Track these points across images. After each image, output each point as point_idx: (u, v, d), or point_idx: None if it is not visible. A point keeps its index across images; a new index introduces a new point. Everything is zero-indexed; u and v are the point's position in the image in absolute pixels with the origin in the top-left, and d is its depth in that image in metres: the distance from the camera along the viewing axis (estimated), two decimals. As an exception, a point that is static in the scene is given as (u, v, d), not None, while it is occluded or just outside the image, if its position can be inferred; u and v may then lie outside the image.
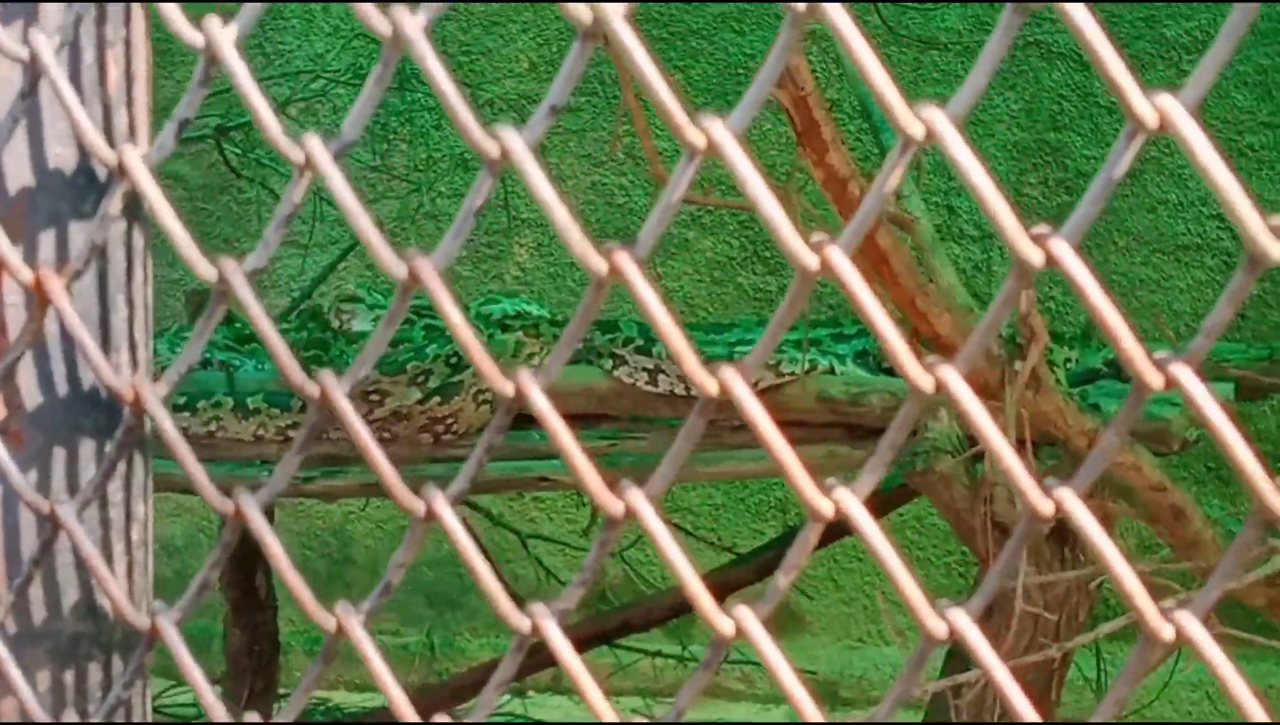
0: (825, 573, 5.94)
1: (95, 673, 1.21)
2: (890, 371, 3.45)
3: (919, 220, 2.57)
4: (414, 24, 1.03)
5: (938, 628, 0.92)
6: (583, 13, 0.97)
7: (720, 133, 0.95)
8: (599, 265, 0.99)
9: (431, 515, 1.05)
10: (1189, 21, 5.70)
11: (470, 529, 4.03)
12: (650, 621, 4.52)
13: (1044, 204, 5.82)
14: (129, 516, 1.22)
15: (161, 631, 1.14)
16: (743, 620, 1.00)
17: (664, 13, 5.77)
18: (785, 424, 3.36)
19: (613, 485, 1.03)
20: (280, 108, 5.09)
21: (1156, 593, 2.36)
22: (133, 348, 1.21)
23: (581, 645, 4.44)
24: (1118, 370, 3.43)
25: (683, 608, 4.35)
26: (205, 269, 1.10)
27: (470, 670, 5.12)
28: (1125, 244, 5.81)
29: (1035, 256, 0.89)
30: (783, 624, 5.94)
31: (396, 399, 3.54)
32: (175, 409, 3.54)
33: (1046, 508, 0.90)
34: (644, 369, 3.54)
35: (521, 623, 1.03)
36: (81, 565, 1.19)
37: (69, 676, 1.20)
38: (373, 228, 1.06)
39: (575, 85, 1.02)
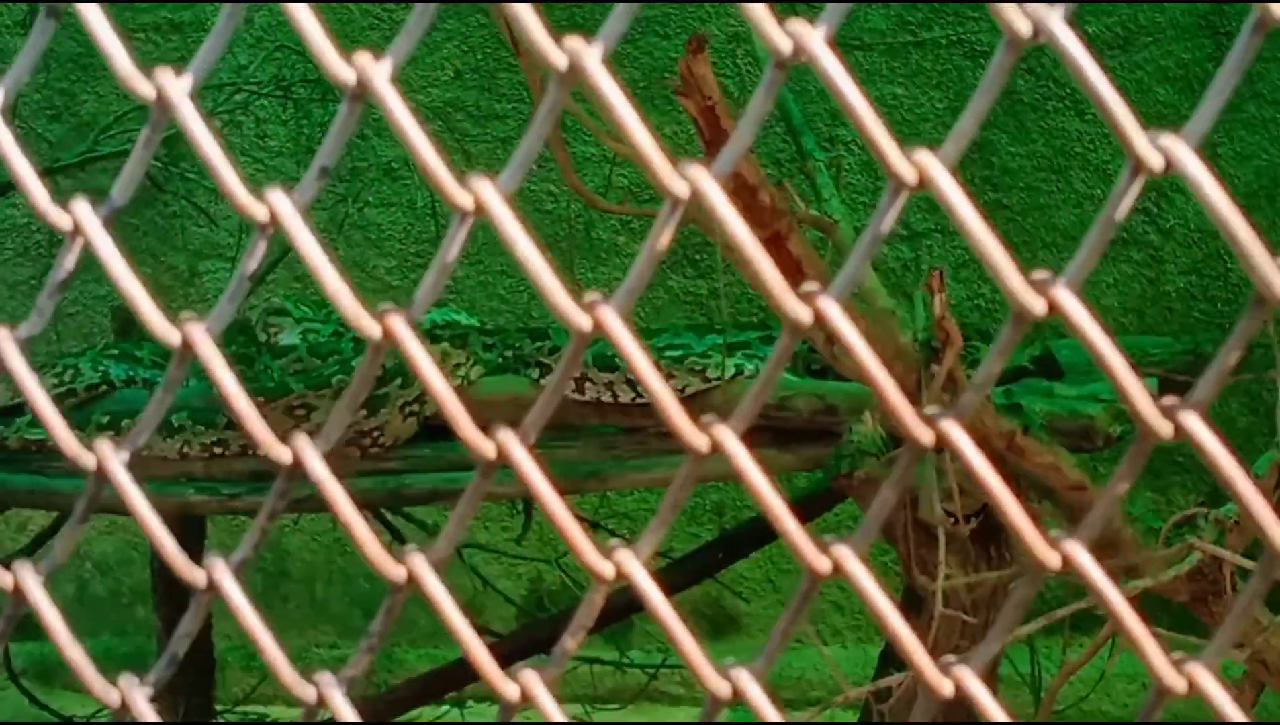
0: (762, 574, 5.95)
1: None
2: (819, 373, 3.45)
3: (839, 223, 2.57)
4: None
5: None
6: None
7: (490, 193, 0.95)
8: (371, 329, 0.98)
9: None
10: (1110, 18, 5.74)
11: (404, 540, 4.03)
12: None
13: (971, 201, 5.84)
14: None
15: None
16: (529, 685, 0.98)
17: (589, 17, 5.76)
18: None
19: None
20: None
21: (1077, 594, 2.39)
22: None
23: (517, 655, 4.42)
24: (1044, 368, 3.44)
25: (619, 613, 4.35)
26: None
27: (409, 681, 5.10)
28: (1052, 240, 5.84)
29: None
30: (719, 626, 5.95)
31: (322, 413, 3.53)
32: (99, 428, 3.52)
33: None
34: (570, 377, 3.53)
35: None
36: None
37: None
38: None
39: (344, 146, 1.01)
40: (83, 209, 1.03)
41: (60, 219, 1.01)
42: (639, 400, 3.49)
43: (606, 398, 3.51)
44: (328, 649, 6.01)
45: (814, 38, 0.92)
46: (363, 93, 0.95)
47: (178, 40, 5.85)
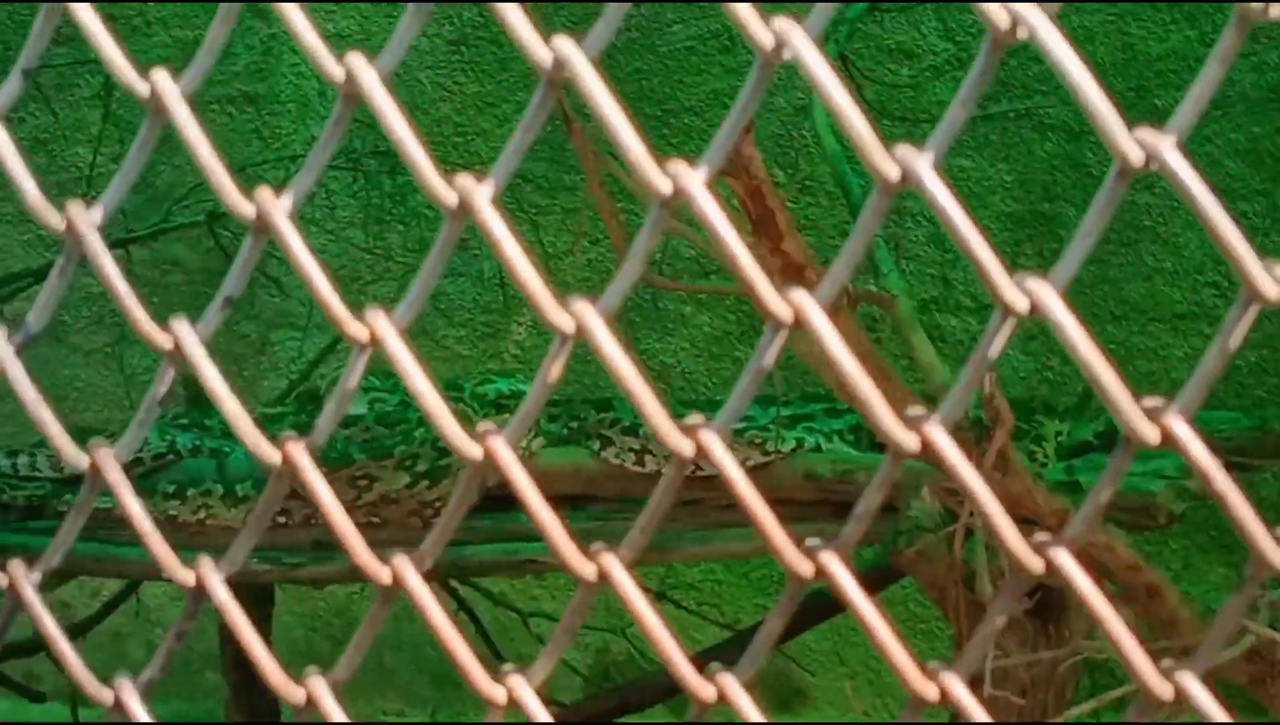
0: (830, 646, 5.92)
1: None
2: (880, 448, 3.45)
3: (897, 298, 2.57)
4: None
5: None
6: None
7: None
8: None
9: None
10: (1179, 91, 5.72)
11: (469, 609, 4.02)
12: (646, 701, 4.50)
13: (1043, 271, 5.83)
14: None
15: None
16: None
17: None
18: (772, 502, 3.34)
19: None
20: (214, 217, 5.11)
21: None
22: None
23: (579, 726, 4.42)
24: (1107, 443, 3.42)
25: (678, 686, 4.33)
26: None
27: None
28: (1122, 313, 5.81)
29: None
30: (785, 698, 5.92)
31: (385, 483, 3.55)
32: (165, 497, 3.55)
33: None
34: (630, 449, 3.54)
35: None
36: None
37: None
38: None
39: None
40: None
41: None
42: (698, 473, 3.49)
43: (666, 470, 3.52)
44: (395, 716, 6.03)
45: (797, 34, 0.94)
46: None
47: (252, 113, 5.93)
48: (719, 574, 6.00)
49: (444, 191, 0.97)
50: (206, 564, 1.04)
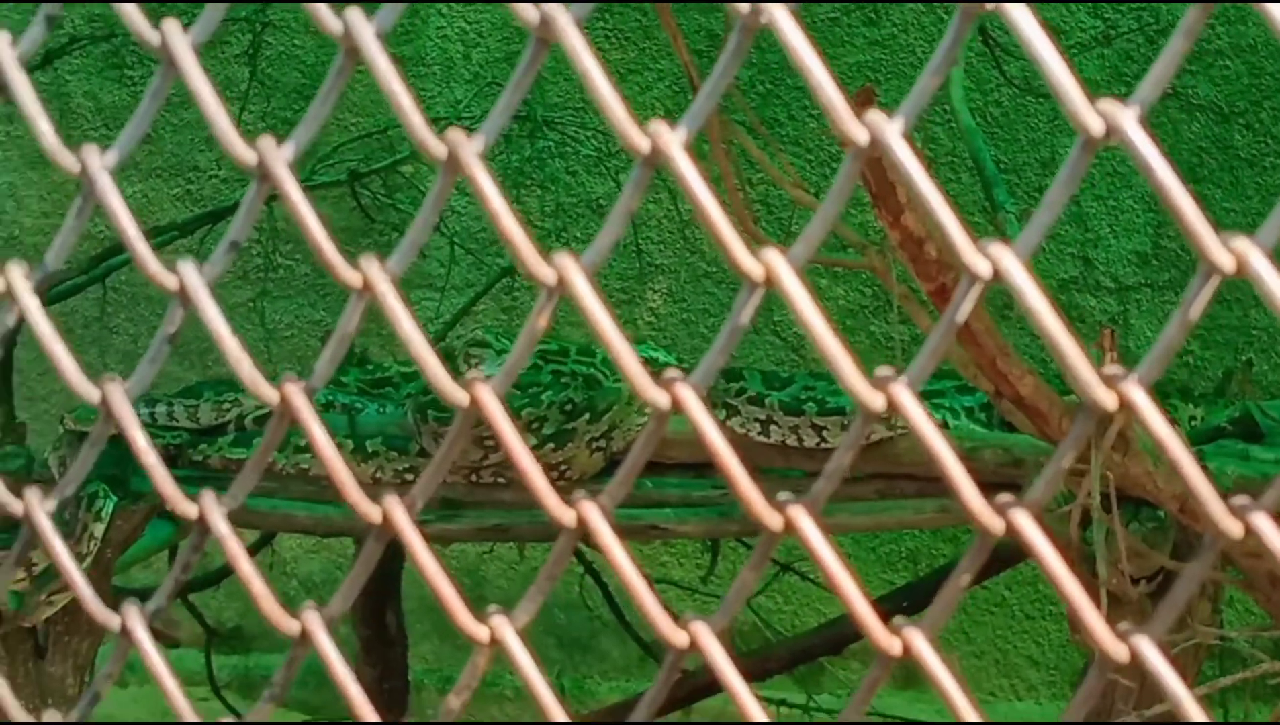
0: (956, 625, 5.90)
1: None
2: (1010, 427, 3.43)
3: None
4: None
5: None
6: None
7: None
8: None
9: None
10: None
11: (596, 574, 4.04)
12: (767, 670, 4.51)
13: (1183, 257, 5.76)
14: None
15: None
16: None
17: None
18: (896, 477, 3.33)
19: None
20: (356, 176, 5.15)
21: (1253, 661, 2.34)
22: None
23: (700, 693, 4.44)
24: (1241, 429, 3.39)
25: (802, 656, 4.35)
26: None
27: (597, 712, 5.14)
28: (1265, 298, 5.73)
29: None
30: (911, 676, 5.90)
31: (511, 445, 3.57)
32: (297, 451, 3.61)
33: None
34: (756, 419, 3.54)
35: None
36: None
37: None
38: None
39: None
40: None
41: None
42: (823, 445, 3.49)
43: (791, 441, 3.52)
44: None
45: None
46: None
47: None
48: (846, 547, 6.00)
49: (434, 144, 0.99)
50: (209, 498, 1.08)
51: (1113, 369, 0.86)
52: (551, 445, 3.59)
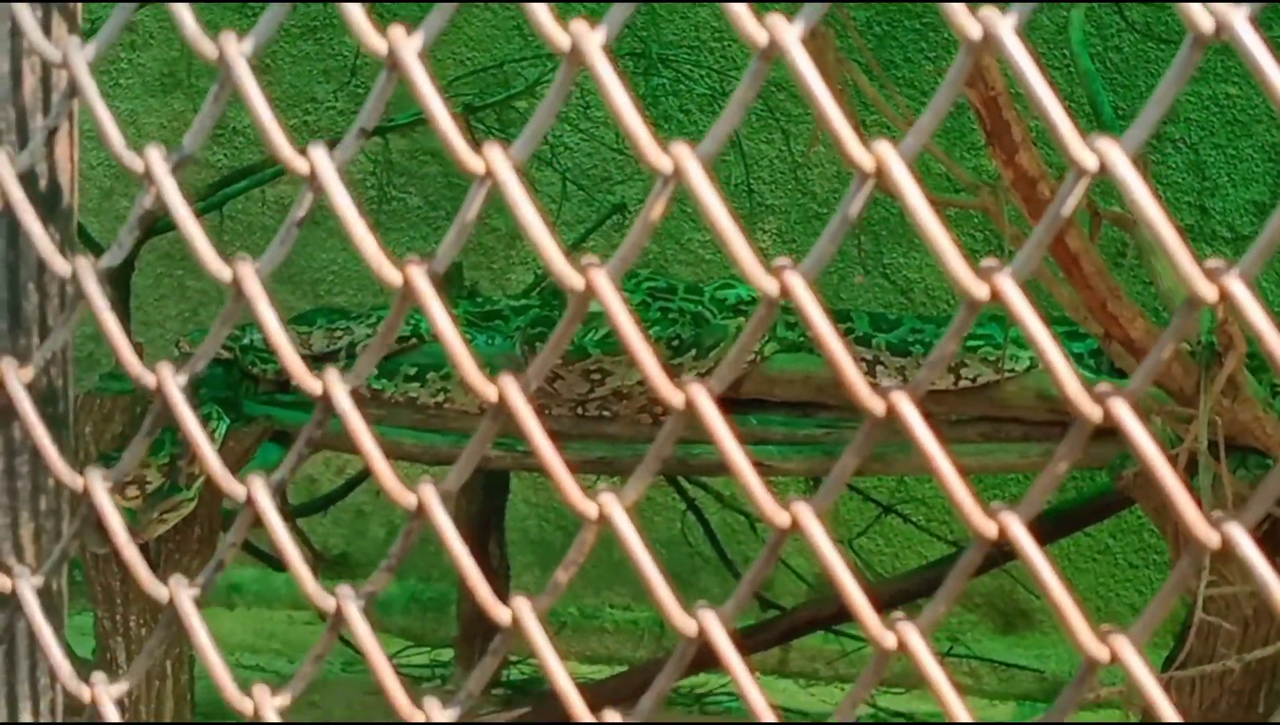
0: (1058, 573, 5.88)
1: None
2: (1120, 373, 3.41)
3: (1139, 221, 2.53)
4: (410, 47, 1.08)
5: (1210, 537, 0.89)
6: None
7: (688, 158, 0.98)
8: (575, 281, 1.02)
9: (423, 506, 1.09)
10: None
11: (698, 510, 4.07)
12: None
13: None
14: (36, 486, 1.32)
15: (19, 595, 1.22)
16: (905, 634, 1.02)
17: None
18: (1002, 421, 3.32)
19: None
20: (470, 110, 5.15)
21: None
22: (44, 333, 1.31)
23: (796, 632, 4.46)
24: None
25: (902, 596, 4.36)
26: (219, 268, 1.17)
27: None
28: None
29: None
30: (1011, 621, 5.90)
31: (617, 378, 3.60)
32: (406, 379, 3.64)
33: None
34: (863, 360, 3.54)
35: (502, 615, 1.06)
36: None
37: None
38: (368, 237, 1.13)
39: (381, 108, 1.06)
40: (495, 155, 1.09)
41: (474, 163, 1.08)
42: (933, 386, 3.49)
43: (898, 382, 3.53)
44: (620, 610, 6.13)
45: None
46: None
47: (514, 11, 6.00)
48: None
49: (559, 35, 1.01)
50: (332, 374, 1.11)
51: (1214, 262, 0.86)
52: (657, 380, 3.61)
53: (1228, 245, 5.81)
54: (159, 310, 6.07)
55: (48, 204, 1.30)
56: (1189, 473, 2.54)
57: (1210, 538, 0.86)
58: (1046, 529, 4.81)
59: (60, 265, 1.22)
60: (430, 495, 1.07)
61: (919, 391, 0.93)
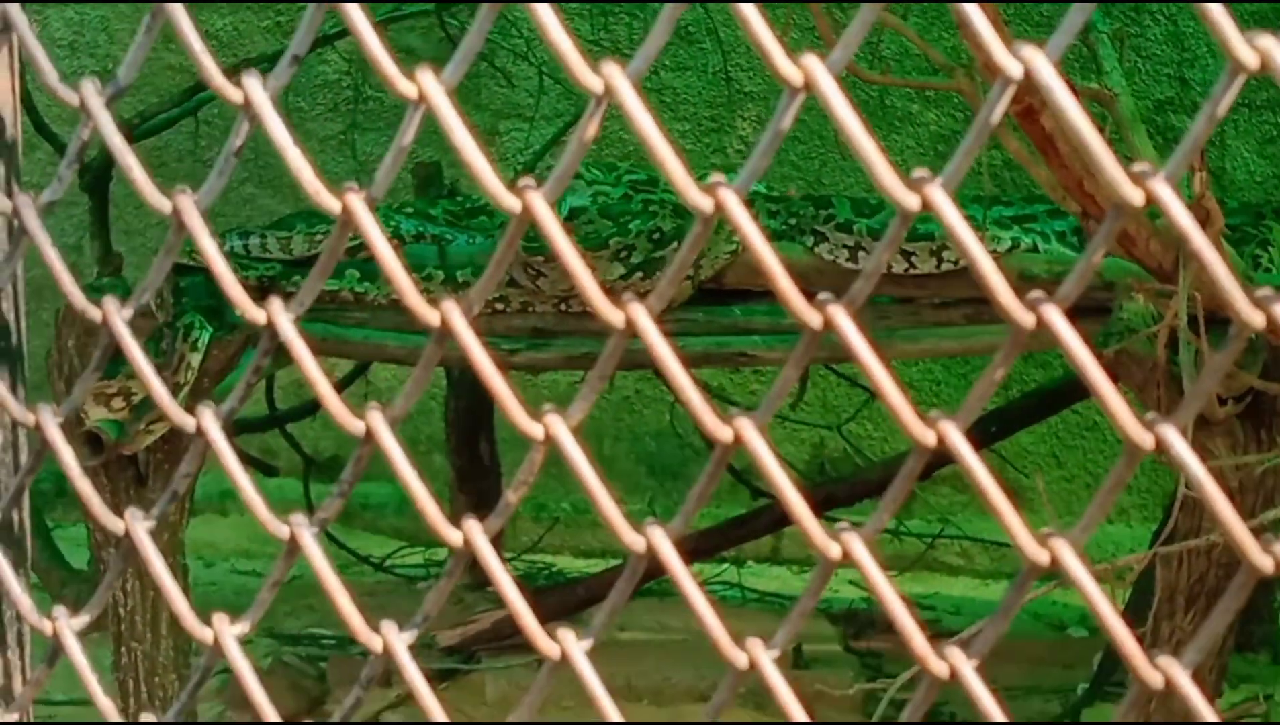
0: (1047, 449, 5.91)
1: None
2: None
3: (1118, 96, 2.53)
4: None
5: (1143, 439, 0.90)
6: None
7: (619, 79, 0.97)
8: (511, 204, 1.02)
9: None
10: None
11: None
12: (857, 495, 4.54)
13: (1281, 76, 5.67)
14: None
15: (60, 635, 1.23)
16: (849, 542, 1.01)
17: None
18: (986, 302, 3.33)
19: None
20: (444, 5, 5.09)
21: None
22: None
23: (788, 519, 4.48)
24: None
25: (888, 483, 4.37)
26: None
27: (687, 538, 5.20)
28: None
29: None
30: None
31: (600, 274, 3.59)
32: (388, 281, 3.63)
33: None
34: (844, 246, 3.54)
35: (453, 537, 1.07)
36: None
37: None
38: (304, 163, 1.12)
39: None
40: (426, 79, 1.09)
41: (405, 87, 1.07)
42: (912, 271, 3.49)
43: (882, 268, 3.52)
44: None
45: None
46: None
47: None
48: (936, 373, 6.00)
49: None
50: (275, 303, 1.11)
51: (1141, 165, 0.86)
52: (640, 273, 3.60)
53: (1208, 117, 5.79)
54: (139, 219, 6.04)
55: None
56: (1170, 349, 2.54)
57: (1144, 439, 0.86)
58: (1036, 406, 4.83)
59: (1, 202, 1.22)
60: (378, 421, 1.07)
61: (856, 304, 0.93)
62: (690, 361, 3.61)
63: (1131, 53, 5.41)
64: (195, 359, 3.48)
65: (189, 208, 1.13)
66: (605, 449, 6.20)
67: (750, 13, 0.94)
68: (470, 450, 5.48)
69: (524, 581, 5.52)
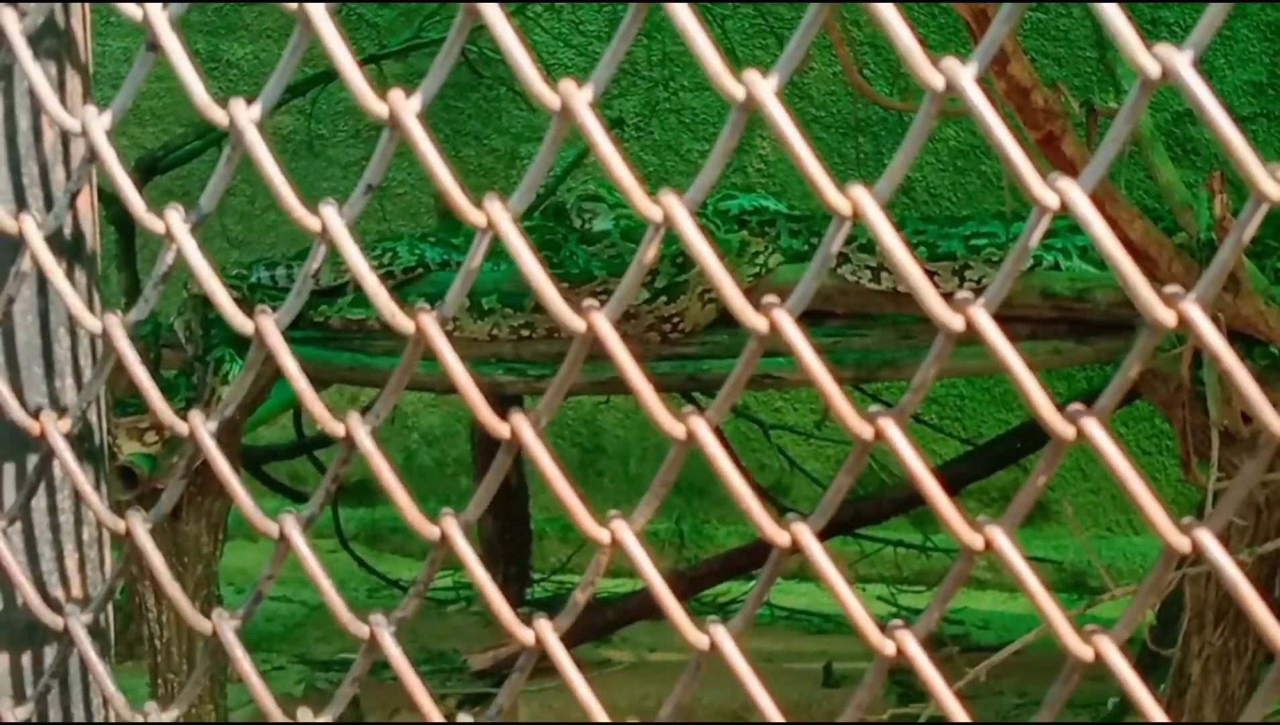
0: (1072, 462, 5.92)
1: (49, 657, 1.35)
2: (1122, 264, 3.41)
3: (1137, 116, 2.53)
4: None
5: (1180, 543, 0.93)
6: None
7: (761, 86, 1.00)
8: (651, 212, 1.04)
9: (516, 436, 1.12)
10: None
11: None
12: (881, 513, 4.56)
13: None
14: (78, 519, 1.36)
15: (72, 632, 1.26)
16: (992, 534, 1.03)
17: None
18: (1009, 320, 3.36)
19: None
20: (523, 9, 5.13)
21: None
22: (77, 374, 1.34)
23: (817, 537, 4.49)
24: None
25: (918, 499, 4.38)
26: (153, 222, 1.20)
27: (715, 557, 5.21)
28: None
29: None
30: (1029, 515, 5.93)
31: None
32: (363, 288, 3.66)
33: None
34: (867, 267, 3.55)
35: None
36: (34, 562, 1.33)
37: (25, 660, 1.34)
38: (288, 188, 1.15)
39: (388, 165, 1.09)
40: (397, 98, 1.12)
41: (378, 108, 1.11)
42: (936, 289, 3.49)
43: (903, 287, 3.53)
44: (640, 523, 6.17)
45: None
46: None
47: None
48: (961, 388, 6.01)
49: (734, 86, 1.01)
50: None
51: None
52: (664, 298, 3.61)
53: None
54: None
55: (73, 253, 1.35)
56: (1194, 367, 2.55)
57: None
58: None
59: (90, 322, 1.26)
60: (356, 424, 1.11)
61: (794, 312, 0.96)
62: (715, 384, 3.63)
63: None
64: (226, 392, 3.51)
65: (180, 227, 1.17)
66: (632, 468, 6.22)
67: (689, 19, 0.96)
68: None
69: (551, 603, 5.53)
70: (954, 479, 4.59)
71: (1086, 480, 5.94)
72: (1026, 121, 2.05)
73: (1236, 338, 2.42)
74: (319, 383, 3.86)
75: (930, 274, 3.45)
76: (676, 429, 1.04)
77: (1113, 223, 2.29)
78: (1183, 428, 2.58)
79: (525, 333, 3.64)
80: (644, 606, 4.64)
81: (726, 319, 3.59)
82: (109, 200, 5.02)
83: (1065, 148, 2.07)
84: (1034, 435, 4.69)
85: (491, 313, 3.66)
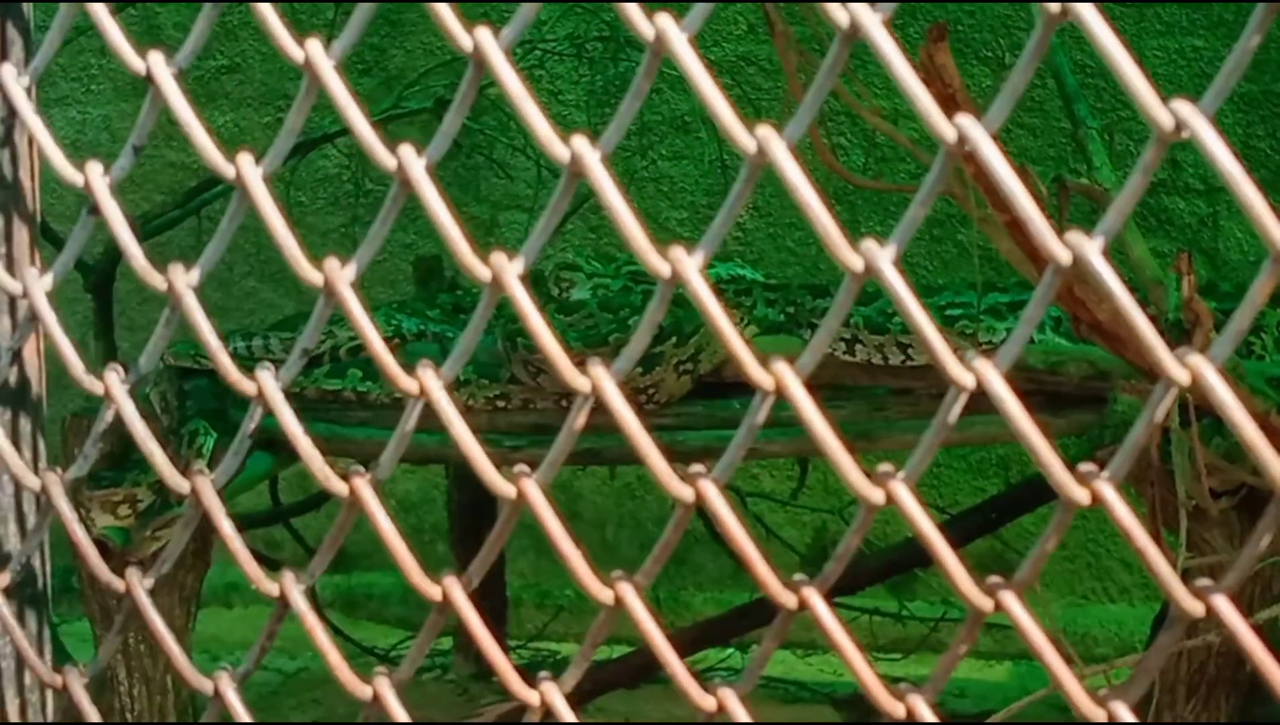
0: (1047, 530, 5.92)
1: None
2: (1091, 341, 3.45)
3: (1109, 191, 2.57)
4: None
5: (1194, 608, 0.93)
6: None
7: (775, 142, 1.01)
8: (660, 267, 1.05)
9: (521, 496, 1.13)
10: None
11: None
12: (858, 583, 4.56)
13: (1272, 156, 5.72)
14: (19, 666, 1.37)
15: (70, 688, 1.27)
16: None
17: None
18: (982, 392, 3.35)
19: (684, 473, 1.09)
20: (441, 103, 5.17)
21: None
22: (20, 522, 1.37)
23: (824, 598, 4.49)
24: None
25: (894, 567, 4.40)
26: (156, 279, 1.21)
27: (693, 625, 5.21)
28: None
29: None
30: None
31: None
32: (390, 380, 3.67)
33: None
34: (841, 338, 3.56)
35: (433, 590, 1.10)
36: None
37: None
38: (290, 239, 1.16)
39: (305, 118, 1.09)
40: (408, 153, 1.13)
41: (387, 160, 1.11)
42: (909, 362, 3.52)
43: (877, 359, 3.54)
44: (617, 591, 6.16)
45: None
46: (660, 49, 1.03)
47: None
48: (938, 457, 6.03)
49: (746, 139, 1.03)
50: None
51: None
52: (639, 369, 3.64)
53: (1200, 196, 5.84)
54: (143, 315, 6.08)
55: (17, 403, 1.36)
56: (1162, 444, 2.57)
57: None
58: (1040, 491, 4.85)
59: (30, 482, 1.27)
60: (361, 484, 1.12)
61: (804, 373, 0.97)
62: (692, 455, 3.64)
63: (1123, 136, 5.47)
64: (201, 466, 3.51)
65: (117, 386, 1.17)
66: (608, 535, 6.22)
67: (705, 86, 0.98)
68: (474, 538, 5.50)
69: (528, 669, 5.52)
70: (925, 551, 4.59)
71: (1063, 548, 5.95)
72: (995, 205, 2.07)
73: (1204, 415, 2.44)
74: (293, 454, 3.87)
75: (904, 346, 3.47)
76: (685, 492, 1.05)
77: (1081, 304, 2.31)
78: (1152, 503, 2.60)
79: (501, 404, 3.65)
80: (621, 674, 4.63)
81: (702, 391, 3.60)
82: (85, 269, 5.03)
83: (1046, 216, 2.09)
84: (1010, 505, 4.70)
85: (467, 383, 3.68)
